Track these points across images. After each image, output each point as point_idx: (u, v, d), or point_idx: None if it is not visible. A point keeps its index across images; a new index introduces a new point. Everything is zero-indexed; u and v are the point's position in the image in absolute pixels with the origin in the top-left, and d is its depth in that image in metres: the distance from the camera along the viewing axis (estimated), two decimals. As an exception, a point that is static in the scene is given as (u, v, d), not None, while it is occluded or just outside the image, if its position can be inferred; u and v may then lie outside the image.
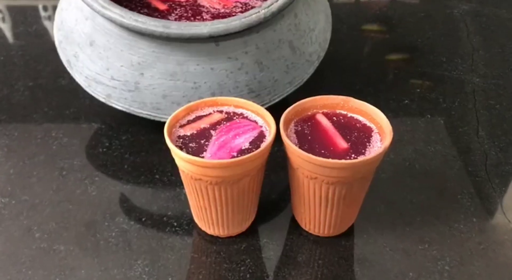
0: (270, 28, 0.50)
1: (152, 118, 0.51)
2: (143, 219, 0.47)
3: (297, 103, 0.43)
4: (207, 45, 0.48)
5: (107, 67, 0.50)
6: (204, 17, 0.56)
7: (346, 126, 0.43)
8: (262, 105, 0.52)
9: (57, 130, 0.57)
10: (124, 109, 0.52)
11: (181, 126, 0.42)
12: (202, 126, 0.42)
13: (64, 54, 0.54)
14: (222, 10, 0.57)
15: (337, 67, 0.68)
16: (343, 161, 0.38)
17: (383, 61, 0.72)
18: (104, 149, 0.55)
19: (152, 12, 0.56)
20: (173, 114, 0.42)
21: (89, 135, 0.57)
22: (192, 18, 0.56)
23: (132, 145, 0.55)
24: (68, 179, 0.51)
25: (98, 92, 0.52)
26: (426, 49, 0.74)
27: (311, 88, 0.58)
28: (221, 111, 0.44)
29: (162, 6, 0.56)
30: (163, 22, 0.47)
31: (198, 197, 0.41)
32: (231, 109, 0.44)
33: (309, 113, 0.44)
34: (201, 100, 0.44)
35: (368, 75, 0.68)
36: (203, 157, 0.39)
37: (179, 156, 0.38)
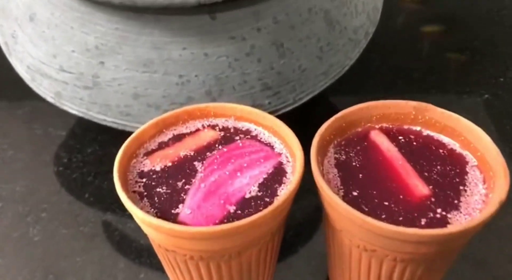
0: (295, -10, 0.33)
1: (120, 127, 0.35)
2: (102, 285, 0.32)
3: (339, 114, 0.26)
4: (197, 18, 0.31)
5: (53, 52, 0.34)
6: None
7: (422, 153, 0.26)
8: (284, 107, 0.36)
9: (1, 139, 0.42)
10: (80, 114, 0.35)
11: (148, 154, 0.26)
12: (182, 153, 0.26)
13: (1, 33, 0.38)
14: None
15: (387, 46, 0.50)
16: (426, 231, 0.21)
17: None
18: (61, 168, 0.39)
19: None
20: (135, 133, 0.26)
21: (44, 146, 0.41)
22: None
23: (100, 162, 0.39)
24: (5, 216, 0.36)
25: (45, 89, 0.36)
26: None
27: (351, 78, 0.40)
28: (214, 127, 0.27)
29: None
30: (126, -18, 0.30)
31: (176, 272, 0.25)
32: (230, 124, 0.27)
33: (359, 130, 0.27)
34: (182, 109, 0.27)
35: (429, 58, 0.50)
36: (177, 214, 0.23)
37: (135, 215, 0.22)
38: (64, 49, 0.34)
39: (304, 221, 0.35)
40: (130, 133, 0.30)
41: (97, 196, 0.37)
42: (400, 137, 0.26)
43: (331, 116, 0.27)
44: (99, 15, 0.32)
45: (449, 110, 0.27)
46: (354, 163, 0.25)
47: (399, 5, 0.59)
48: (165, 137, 0.27)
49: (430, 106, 0.26)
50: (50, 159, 0.40)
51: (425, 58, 0.50)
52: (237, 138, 0.26)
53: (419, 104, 0.26)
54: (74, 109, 0.35)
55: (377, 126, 0.27)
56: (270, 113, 0.35)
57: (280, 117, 0.36)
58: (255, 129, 0.27)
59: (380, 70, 0.47)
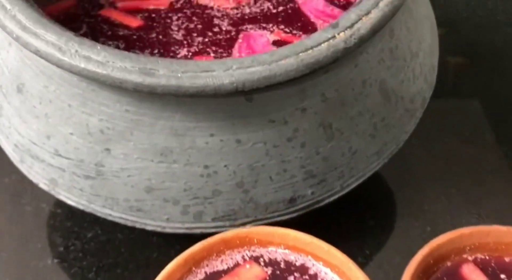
0: (349, 62, 0.27)
1: (129, 223, 0.29)
2: None
3: (426, 250, 0.20)
4: (230, 100, 0.25)
5: (46, 133, 0.28)
6: (221, 26, 0.33)
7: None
8: (329, 197, 0.29)
9: (-18, 217, 0.35)
10: (80, 206, 0.29)
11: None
12: (221, 305, 0.20)
13: (-17, 99, 0.32)
14: (247, 11, 0.34)
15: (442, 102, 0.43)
16: None
17: None
18: (56, 260, 0.32)
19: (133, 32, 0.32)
20: (162, 272, 0.20)
21: (35, 227, 0.34)
22: (200, 26, 0.33)
23: (103, 251, 0.33)
24: (-13, 327, 0.30)
25: (36, 173, 0.29)
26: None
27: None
28: (257, 259, 0.21)
29: (135, 22, 0.32)
30: (141, 60, 0.23)
31: None
32: (280, 255, 0.21)
33: (449, 264, 0.21)
34: (216, 237, 0.21)
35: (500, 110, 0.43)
36: None
37: None
38: (60, 130, 0.27)
39: None
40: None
41: (100, 300, 0.31)
42: (501, 275, 0.20)
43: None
44: (105, 94, 0.25)
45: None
46: (450, 321, 0.19)
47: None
48: (194, 279, 0.20)
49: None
50: (42, 247, 0.33)
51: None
52: (291, 278, 0.20)
53: (527, 233, 0.20)
54: (72, 200, 0.29)
55: (470, 258, 0.21)
56: (312, 204, 0.29)
57: (322, 208, 0.30)
58: (313, 265, 0.21)
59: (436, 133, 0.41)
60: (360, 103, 0.28)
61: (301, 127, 0.27)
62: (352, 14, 0.24)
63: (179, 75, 0.22)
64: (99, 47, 0.23)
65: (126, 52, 0.23)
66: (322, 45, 0.23)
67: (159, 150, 0.26)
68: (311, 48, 0.23)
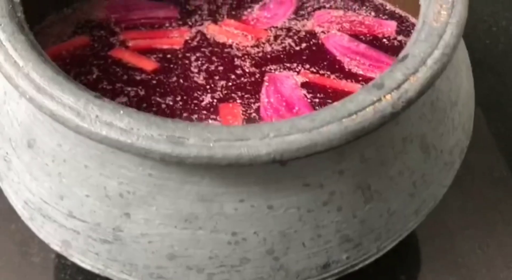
0: (391, 121, 0.25)
1: (149, 290, 0.27)
2: None
3: None
4: (263, 166, 0.23)
5: (59, 193, 0.25)
6: (244, 68, 0.31)
7: None
8: (364, 260, 0.27)
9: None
10: (95, 270, 0.27)
11: None
12: None
13: (-11, 148, 0.29)
14: (268, 49, 0.32)
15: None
16: None
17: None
18: (66, 320, 0.31)
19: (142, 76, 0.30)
20: None
21: (43, 281, 0.32)
22: (221, 68, 0.31)
23: (117, 310, 0.31)
24: None
25: (48, 233, 0.27)
26: None
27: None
28: None
29: (150, 65, 0.30)
30: (169, 126, 0.21)
31: None
32: None
33: None
34: None
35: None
36: None
37: None
38: (75, 192, 0.25)
39: None
40: None
41: None
42: None
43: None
44: (126, 157, 0.23)
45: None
46: None
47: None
48: None
49: None
50: (51, 305, 0.31)
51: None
52: None
53: None
54: (87, 264, 0.27)
55: None
56: (347, 269, 0.27)
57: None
58: None
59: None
60: (399, 162, 0.26)
61: (337, 190, 0.24)
62: (397, 72, 0.22)
63: (211, 144, 0.20)
64: (122, 112, 0.21)
65: (152, 117, 0.21)
66: (367, 109, 0.21)
67: (183, 216, 0.24)
68: (355, 113, 0.21)
